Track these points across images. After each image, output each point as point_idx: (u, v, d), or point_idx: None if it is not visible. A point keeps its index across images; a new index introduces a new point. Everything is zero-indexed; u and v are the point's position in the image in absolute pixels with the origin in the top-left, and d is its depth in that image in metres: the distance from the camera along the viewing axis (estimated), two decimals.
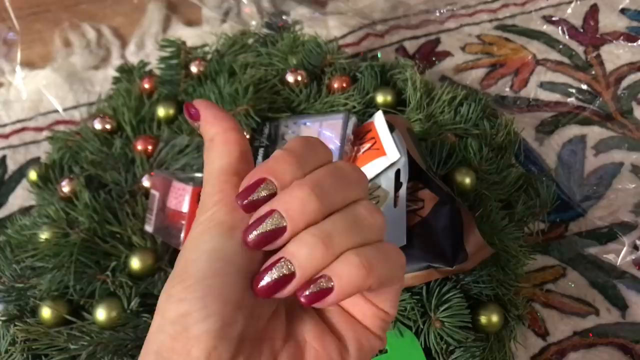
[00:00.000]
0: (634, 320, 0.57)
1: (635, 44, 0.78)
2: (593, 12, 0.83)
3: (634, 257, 0.60)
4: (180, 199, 0.52)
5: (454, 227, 0.49)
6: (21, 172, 0.70)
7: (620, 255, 0.60)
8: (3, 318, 0.54)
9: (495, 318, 0.50)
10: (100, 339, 0.49)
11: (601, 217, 0.63)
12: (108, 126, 0.61)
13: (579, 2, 0.83)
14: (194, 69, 0.64)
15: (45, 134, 0.73)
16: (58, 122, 0.75)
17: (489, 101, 0.66)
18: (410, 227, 0.51)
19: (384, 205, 0.53)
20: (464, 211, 0.49)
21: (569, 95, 0.74)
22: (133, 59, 0.80)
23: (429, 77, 0.75)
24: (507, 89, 0.75)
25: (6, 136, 0.74)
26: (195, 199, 0.51)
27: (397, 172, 0.54)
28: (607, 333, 0.57)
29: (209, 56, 0.66)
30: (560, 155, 0.69)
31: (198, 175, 0.55)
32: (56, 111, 0.75)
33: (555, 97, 0.74)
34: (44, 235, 0.54)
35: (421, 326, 0.48)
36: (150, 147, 0.58)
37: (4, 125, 0.75)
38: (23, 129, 0.74)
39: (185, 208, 0.51)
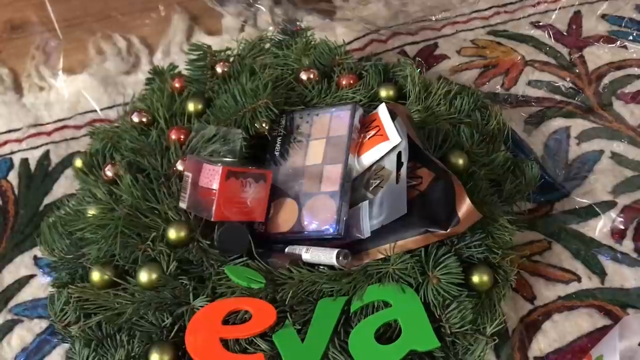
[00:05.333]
0: (612, 286, 0.64)
1: (614, 45, 0.86)
2: (576, 17, 0.91)
3: (611, 227, 0.67)
4: (211, 178, 0.60)
5: (448, 198, 0.57)
6: (63, 164, 0.79)
7: (597, 228, 0.68)
8: (57, 283, 0.62)
9: (485, 277, 0.57)
10: (143, 297, 0.57)
11: (583, 195, 0.71)
12: (144, 119, 0.70)
13: (563, 9, 0.92)
14: (219, 69, 0.72)
15: (83, 131, 0.82)
16: (95, 121, 0.83)
17: (480, 95, 0.74)
18: (410, 200, 0.58)
19: (387, 183, 0.61)
20: (455, 181, 0.57)
21: (555, 91, 0.82)
22: (160, 65, 0.88)
23: (427, 77, 0.83)
24: (499, 87, 0.83)
25: (49, 133, 0.82)
26: (225, 177, 0.59)
27: (399, 154, 0.62)
28: (588, 297, 0.64)
29: (231, 59, 0.75)
30: (546, 144, 0.76)
31: (225, 159, 0.63)
32: (93, 111, 0.84)
33: (542, 93, 0.82)
34: (91, 212, 0.62)
35: (420, 282, 0.56)
36: (182, 137, 0.66)
37: (46, 124, 0.84)
38: (63, 127, 0.83)
39: (215, 185, 0.59)
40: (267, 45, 0.77)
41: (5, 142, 0.81)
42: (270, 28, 0.85)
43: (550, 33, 0.89)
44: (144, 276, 0.58)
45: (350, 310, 0.56)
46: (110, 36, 0.94)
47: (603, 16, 0.90)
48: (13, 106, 0.85)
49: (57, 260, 0.63)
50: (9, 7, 0.98)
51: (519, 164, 0.68)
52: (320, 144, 0.66)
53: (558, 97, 0.81)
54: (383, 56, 0.88)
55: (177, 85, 0.73)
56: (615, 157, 0.74)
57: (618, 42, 0.86)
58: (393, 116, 0.64)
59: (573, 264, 0.66)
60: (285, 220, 0.63)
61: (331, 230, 0.60)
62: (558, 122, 0.78)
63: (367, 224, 0.60)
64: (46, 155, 0.80)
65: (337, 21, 0.91)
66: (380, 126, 0.65)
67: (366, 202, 0.61)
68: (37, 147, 0.81)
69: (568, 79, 0.83)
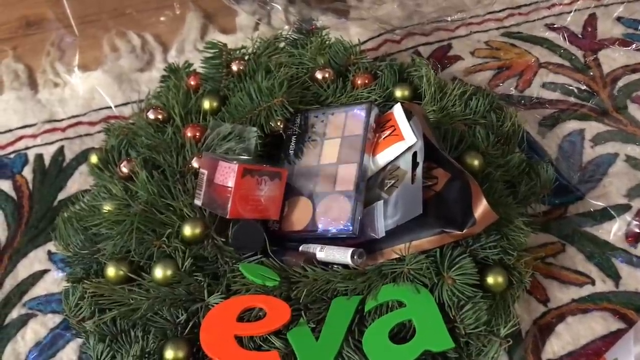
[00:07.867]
0: (626, 289, 0.64)
1: (629, 48, 0.86)
2: (591, 20, 0.91)
3: (625, 231, 0.67)
4: (227, 175, 0.60)
5: (464, 198, 0.57)
6: (77, 160, 0.79)
7: (612, 231, 0.68)
8: (72, 278, 0.62)
9: (500, 279, 0.57)
10: (158, 294, 0.57)
11: (598, 198, 0.71)
12: (160, 116, 0.70)
13: (578, 11, 0.91)
14: (234, 67, 0.72)
15: (97, 127, 0.82)
16: (109, 117, 0.84)
17: (495, 96, 0.73)
18: (425, 200, 0.58)
19: (402, 183, 0.61)
20: (472, 182, 0.57)
21: (569, 94, 0.82)
22: (174, 62, 0.89)
23: (441, 77, 0.83)
24: (513, 89, 0.83)
25: (63, 129, 0.83)
26: (240, 174, 0.59)
27: (414, 154, 0.62)
28: (602, 300, 0.64)
29: (246, 57, 0.75)
30: (560, 146, 0.76)
31: (241, 157, 0.64)
32: (107, 108, 0.85)
33: (556, 95, 0.82)
34: (107, 207, 0.63)
35: (435, 282, 0.55)
36: (197, 134, 0.66)
37: (61, 120, 0.84)
38: (78, 123, 0.83)
39: (231, 183, 0.59)
40: (282, 44, 0.78)
41: (21, 138, 0.82)
42: (286, 27, 0.86)
43: (565, 35, 0.89)
44: (159, 272, 0.58)
45: (364, 310, 0.56)
46: (125, 33, 0.94)
47: (618, 19, 0.90)
48: (28, 102, 0.86)
49: (72, 255, 0.63)
50: (24, 4, 0.99)
51: (534, 166, 0.68)
52: (335, 143, 0.66)
53: (572, 100, 0.81)
54: (397, 56, 0.88)
55: (192, 82, 0.73)
56: (630, 160, 0.74)
57: (633, 45, 0.86)
58: (408, 116, 0.64)
59: (587, 266, 0.66)
60: (299, 218, 0.63)
61: (346, 230, 0.60)
62: (572, 125, 0.78)
63: (382, 224, 0.60)
64: (60, 151, 0.80)
65: (351, 21, 0.91)
66: (395, 126, 0.64)
67: (381, 202, 0.61)
68: (52, 142, 0.81)
69: (582, 82, 0.83)
